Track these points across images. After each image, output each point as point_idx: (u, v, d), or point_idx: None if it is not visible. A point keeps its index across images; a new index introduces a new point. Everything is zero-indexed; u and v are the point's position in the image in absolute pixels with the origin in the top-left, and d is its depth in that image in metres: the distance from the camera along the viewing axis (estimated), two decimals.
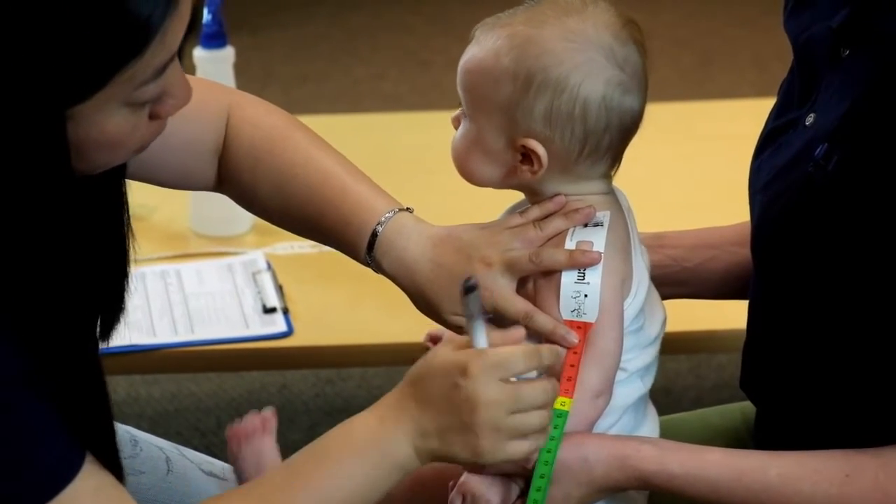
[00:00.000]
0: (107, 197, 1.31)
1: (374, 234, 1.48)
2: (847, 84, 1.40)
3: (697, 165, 2.46)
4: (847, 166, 1.37)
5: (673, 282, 1.65)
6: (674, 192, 2.31)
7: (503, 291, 1.43)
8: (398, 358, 2.29)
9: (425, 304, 1.47)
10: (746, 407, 1.68)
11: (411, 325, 2.19)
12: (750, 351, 1.57)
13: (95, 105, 1.16)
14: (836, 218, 1.38)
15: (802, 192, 1.42)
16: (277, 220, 1.57)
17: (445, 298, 1.45)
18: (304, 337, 2.19)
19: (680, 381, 3.06)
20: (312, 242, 2.37)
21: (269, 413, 1.56)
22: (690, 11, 4.72)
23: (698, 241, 1.69)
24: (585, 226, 1.44)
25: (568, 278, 1.42)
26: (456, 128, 1.49)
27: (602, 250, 1.42)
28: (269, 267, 2.32)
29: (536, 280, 1.44)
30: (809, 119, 1.45)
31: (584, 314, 1.40)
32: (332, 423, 1.95)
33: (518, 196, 1.54)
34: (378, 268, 1.49)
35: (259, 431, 1.55)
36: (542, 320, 1.41)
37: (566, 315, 1.41)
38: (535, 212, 1.47)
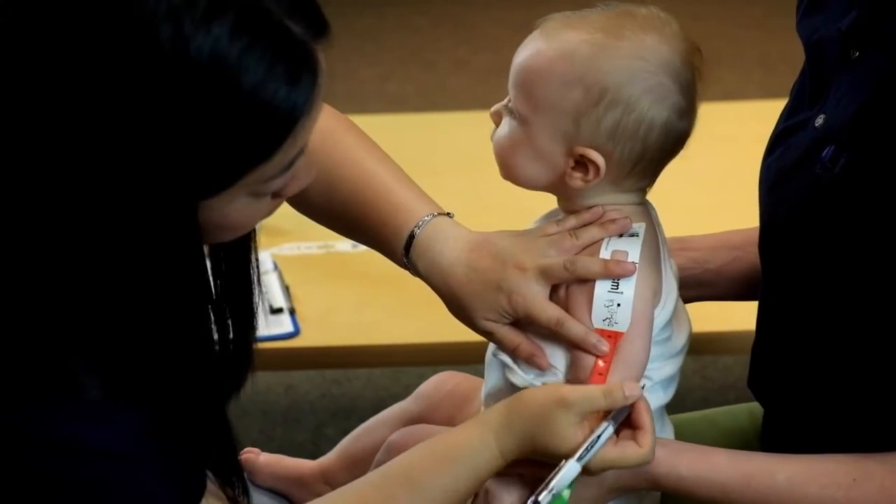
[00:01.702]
0: (235, 253, 1.36)
1: (412, 237, 1.48)
2: (856, 86, 1.40)
3: (703, 167, 2.46)
4: (854, 168, 1.37)
5: (696, 284, 1.65)
6: (679, 194, 2.31)
7: (536, 298, 1.43)
8: (404, 359, 2.30)
9: (458, 308, 1.47)
10: (754, 407, 1.68)
11: (417, 326, 2.20)
12: (758, 351, 1.57)
13: (222, 199, 1.19)
14: (844, 220, 1.38)
15: (809, 194, 1.42)
16: (323, 220, 1.59)
17: (478, 304, 1.45)
18: (311, 337, 2.20)
19: (686, 383, 3.04)
20: (319, 243, 2.38)
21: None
22: (696, 13, 4.72)
23: (720, 243, 1.69)
24: (621, 236, 1.44)
25: (601, 287, 1.41)
26: (496, 122, 1.48)
27: (637, 261, 1.42)
28: (276, 267, 2.32)
29: (569, 287, 1.44)
30: (819, 120, 1.45)
31: (616, 323, 1.40)
32: (338, 423, 1.93)
33: (547, 205, 1.53)
34: (415, 271, 1.50)
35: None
36: (574, 328, 1.41)
37: (597, 324, 1.41)
38: (572, 221, 1.46)
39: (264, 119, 1.15)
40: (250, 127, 1.15)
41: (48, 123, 1.13)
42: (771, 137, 1.56)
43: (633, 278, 1.41)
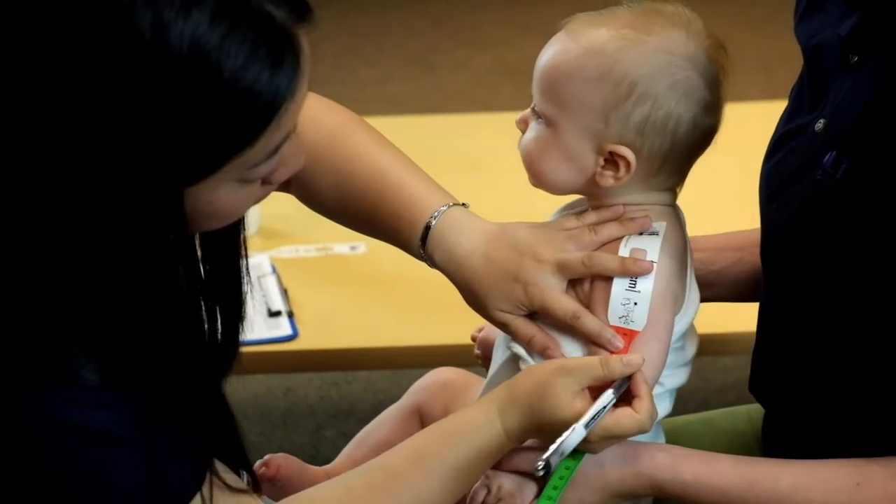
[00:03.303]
0: (224, 242, 1.35)
1: (427, 228, 1.47)
2: (856, 91, 1.39)
3: (704, 169, 2.45)
4: (856, 174, 1.37)
5: (700, 285, 1.65)
6: (681, 195, 2.31)
7: (552, 291, 1.42)
8: (403, 361, 2.30)
9: (473, 298, 1.46)
10: (753, 410, 1.68)
11: (416, 329, 2.20)
12: (759, 354, 1.57)
13: (208, 185, 1.19)
14: (846, 225, 1.37)
15: (811, 200, 1.41)
16: (336, 217, 1.58)
17: (494, 294, 1.44)
18: (309, 340, 2.19)
19: (686, 384, 3.04)
20: (317, 245, 2.37)
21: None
22: (697, 14, 4.71)
23: (723, 245, 1.69)
24: (641, 234, 1.44)
25: (619, 285, 1.41)
26: (522, 130, 1.47)
27: (655, 259, 1.41)
28: (274, 270, 2.32)
29: (589, 283, 1.43)
30: (819, 125, 1.44)
31: (632, 322, 1.39)
32: (337, 425, 1.93)
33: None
34: (431, 262, 1.49)
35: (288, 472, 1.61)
36: (589, 322, 1.40)
37: (613, 321, 1.40)
38: (592, 217, 1.46)
39: (247, 104, 1.15)
40: (233, 112, 1.15)
41: (30, 114, 1.13)
42: (770, 142, 1.56)
43: (652, 277, 1.40)
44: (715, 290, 1.67)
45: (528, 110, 1.47)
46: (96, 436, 1.20)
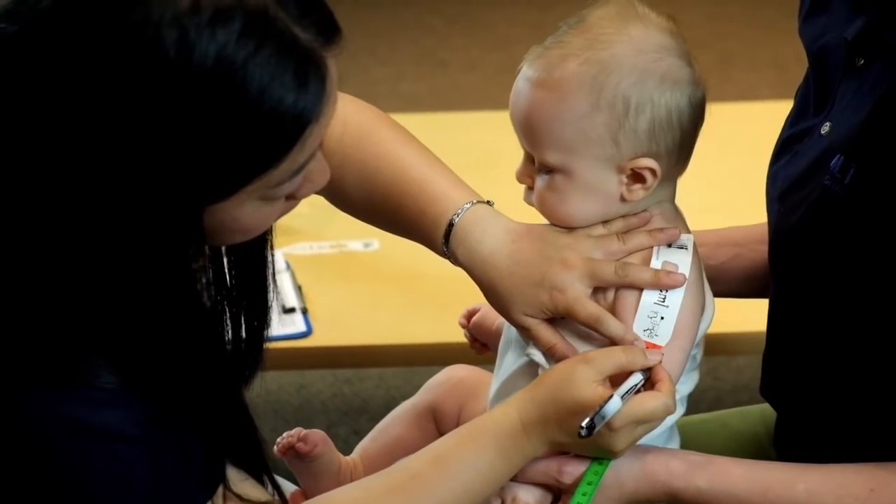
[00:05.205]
0: (250, 251, 1.36)
1: (451, 225, 1.46)
2: (862, 94, 1.39)
3: (715, 167, 2.45)
4: (864, 179, 1.37)
5: None
6: (691, 194, 2.31)
7: (578, 295, 1.40)
8: (416, 358, 2.30)
9: (496, 299, 1.45)
10: (766, 410, 1.68)
11: (429, 326, 2.20)
12: (770, 357, 1.57)
13: (231, 203, 1.20)
14: (854, 231, 1.37)
15: (820, 204, 1.41)
16: (362, 215, 1.58)
17: (517, 296, 1.42)
18: (323, 337, 2.20)
19: (699, 384, 3.04)
20: (332, 242, 2.38)
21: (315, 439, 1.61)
22: (710, 13, 4.72)
23: (722, 240, 1.68)
24: (670, 246, 1.43)
25: (649, 297, 1.40)
26: (528, 185, 1.45)
27: (687, 274, 1.41)
28: (289, 267, 2.32)
29: (613, 293, 1.42)
30: (825, 128, 1.44)
31: (656, 336, 1.39)
32: (349, 422, 1.92)
33: None
34: (454, 259, 1.47)
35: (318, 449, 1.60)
36: (613, 325, 1.38)
37: (637, 332, 1.39)
38: (619, 224, 1.44)
39: (270, 126, 1.15)
40: (256, 134, 1.15)
41: (55, 129, 1.14)
42: (777, 144, 1.55)
43: (681, 293, 1.40)
44: (713, 286, 1.67)
45: (524, 164, 1.45)
46: (104, 432, 1.21)
